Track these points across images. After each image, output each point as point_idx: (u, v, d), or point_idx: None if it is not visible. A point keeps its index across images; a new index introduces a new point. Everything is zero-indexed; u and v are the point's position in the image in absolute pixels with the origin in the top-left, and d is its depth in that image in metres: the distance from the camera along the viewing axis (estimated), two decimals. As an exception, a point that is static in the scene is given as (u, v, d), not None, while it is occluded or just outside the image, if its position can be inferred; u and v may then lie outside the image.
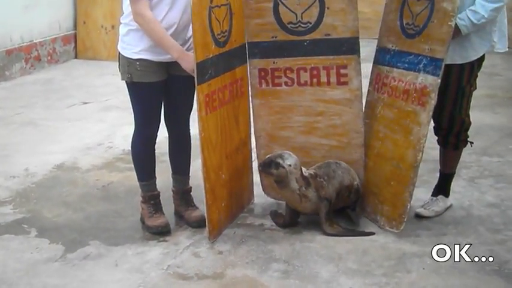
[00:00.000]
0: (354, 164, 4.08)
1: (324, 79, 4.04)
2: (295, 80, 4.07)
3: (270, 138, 4.19)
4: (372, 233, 3.84)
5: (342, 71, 4.00)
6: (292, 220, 3.97)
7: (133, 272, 3.52)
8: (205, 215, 3.77)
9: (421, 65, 3.76)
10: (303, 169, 3.83)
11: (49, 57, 8.44)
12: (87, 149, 5.44)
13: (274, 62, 4.08)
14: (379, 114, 4.06)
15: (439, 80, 3.67)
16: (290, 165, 3.74)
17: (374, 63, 4.17)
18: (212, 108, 3.77)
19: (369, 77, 4.18)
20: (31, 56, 8.12)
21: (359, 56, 4.00)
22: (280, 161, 3.73)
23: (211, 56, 3.69)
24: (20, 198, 4.50)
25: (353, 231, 3.90)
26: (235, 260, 3.63)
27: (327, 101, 4.07)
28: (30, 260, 3.66)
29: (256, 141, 4.23)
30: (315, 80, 4.05)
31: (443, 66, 3.64)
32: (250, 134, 4.26)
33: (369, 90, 4.16)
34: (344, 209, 4.07)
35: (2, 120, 6.27)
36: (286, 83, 4.09)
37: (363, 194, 4.10)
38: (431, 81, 3.70)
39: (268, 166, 3.76)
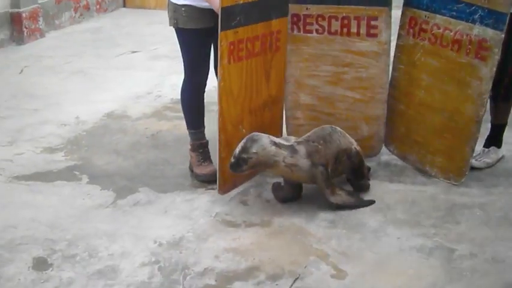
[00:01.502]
0: (375, 119, 4.04)
1: (354, 29, 3.98)
2: (326, 28, 4.03)
3: (298, 85, 4.16)
4: (373, 202, 3.65)
5: (373, 23, 3.93)
6: (293, 194, 3.73)
7: (182, 219, 3.57)
8: (217, 167, 3.74)
9: (476, 16, 3.60)
10: (277, 140, 3.56)
11: (98, 6, 8.48)
12: (136, 98, 5.49)
13: (307, 8, 4.03)
14: (419, 62, 3.94)
15: (503, 35, 3.52)
16: (256, 152, 3.45)
17: (405, 5, 4.02)
18: (237, 58, 3.68)
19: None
20: (80, 5, 8.16)
21: (390, 9, 3.92)
22: (245, 155, 3.45)
23: (242, 2, 3.58)
24: (71, 146, 4.59)
25: (356, 199, 3.66)
26: (282, 208, 3.65)
27: (355, 53, 4.02)
28: (82, 206, 3.75)
29: (285, 86, 4.19)
30: (345, 29, 4.00)
31: (507, 21, 3.50)
32: (283, 94, 4.14)
33: (400, 34, 4.03)
34: (353, 180, 3.85)
35: (53, 69, 6.36)
36: (317, 31, 4.05)
37: (403, 142, 4.07)
38: (492, 35, 3.54)
39: (238, 166, 3.48)
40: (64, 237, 3.42)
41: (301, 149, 3.54)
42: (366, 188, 3.81)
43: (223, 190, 3.79)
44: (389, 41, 3.97)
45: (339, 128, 3.77)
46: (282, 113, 4.17)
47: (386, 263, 3.17)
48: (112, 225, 3.53)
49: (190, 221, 3.55)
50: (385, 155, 4.24)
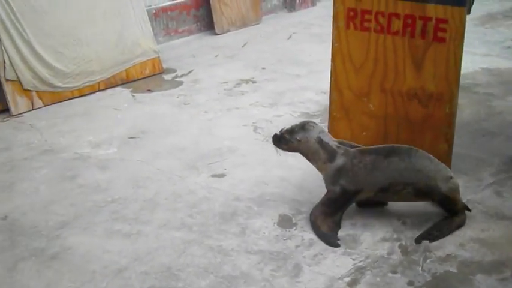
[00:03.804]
0: None
1: None
2: None
3: None
4: (338, 245, 3.11)
5: None
6: None
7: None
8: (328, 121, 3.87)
9: None
10: (327, 139, 3.25)
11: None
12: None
13: None
14: None
15: None
16: (299, 140, 3.26)
17: None
18: (361, 27, 3.57)
19: None
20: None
21: None
22: (288, 136, 3.28)
23: None
24: (327, 114, 4.65)
25: (328, 237, 3.18)
26: (542, 206, 3.35)
27: None
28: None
29: None
30: None
31: None
32: (453, 97, 3.51)
33: None
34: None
35: (319, 37, 6.51)
36: None
37: None
38: None
39: (278, 142, 3.34)
40: (310, 199, 3.49)
41: (339, 162, 3.21)
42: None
43: None
44: None
45: (422, 154, 3.20)
46: (451, 118, 3.55)
47: None
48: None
49: (438, 204, 3.42)
50: None
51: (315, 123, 3.31)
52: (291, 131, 3.29)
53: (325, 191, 3.23)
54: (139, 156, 4.16)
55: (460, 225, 3.22)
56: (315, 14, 7.44)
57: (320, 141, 3.24)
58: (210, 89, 5.36)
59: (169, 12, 6.70)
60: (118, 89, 5.46)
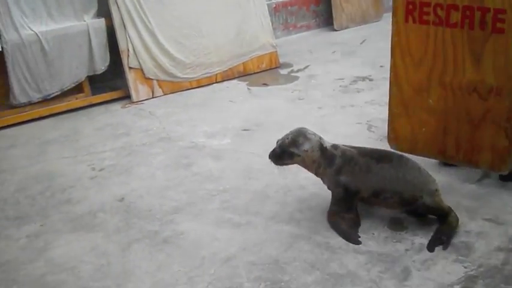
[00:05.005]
0: None
1: None
2: None
3: None
4: (359, 242, 3.12)
5: None
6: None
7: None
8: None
9: None
10: (325, 144, 3.24)
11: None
12: None
13: None
14: None
15: None
16: (307, 151, 3.18)
17: None
18: (420, 20, 3.45)
19: None
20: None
21: None
22: (295, 150, 3.17)
23: None
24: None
25: (348, 234, 3.19)
26: None
27: None
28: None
29: None
30: None
31: None
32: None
33: None
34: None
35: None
36: None
37: None
38: None
39: (281, 158, 3.20)
40: (423, 203, 3.41)
41: (338, 164, 3.23)
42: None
43: (394, 144, 3.76)
44: None
45: (413, 164, 3.22)
46: (511, 112, 3.35)
47: None
48: (475, 202, 3.42)
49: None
50: None
51: (309, 129, 3.28)
52: (294, 143, 3.21)
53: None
54: (252, 148, 4.22)
55: (457, 223, 3.19)
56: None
57: (321, 148, 3.24)
58: (325, 85, 5.34)
59: (289, 7, 6.74)
60: (234, 81, 5.55)
